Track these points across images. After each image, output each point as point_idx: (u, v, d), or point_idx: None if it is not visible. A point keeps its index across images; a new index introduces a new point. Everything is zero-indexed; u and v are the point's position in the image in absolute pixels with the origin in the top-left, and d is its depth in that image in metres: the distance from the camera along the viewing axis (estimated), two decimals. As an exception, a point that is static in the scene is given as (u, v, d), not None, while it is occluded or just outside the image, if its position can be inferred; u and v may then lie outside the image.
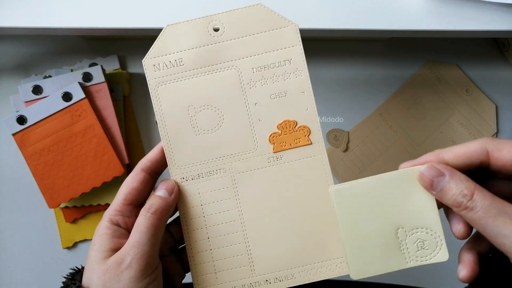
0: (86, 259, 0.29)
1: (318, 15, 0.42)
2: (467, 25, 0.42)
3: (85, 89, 0.48)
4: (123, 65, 0.53)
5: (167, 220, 0.31)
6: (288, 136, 0.32)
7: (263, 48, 0.32)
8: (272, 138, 0.32)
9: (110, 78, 0.51)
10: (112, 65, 0.52)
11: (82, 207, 0.50)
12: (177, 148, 0.32)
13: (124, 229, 0.30)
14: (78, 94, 0.47)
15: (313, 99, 0.32)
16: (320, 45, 0.55)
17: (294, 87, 0.32)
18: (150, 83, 0.32)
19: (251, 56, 0.32)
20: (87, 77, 0.48)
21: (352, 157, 0.54)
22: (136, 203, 0.31)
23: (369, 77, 0.55)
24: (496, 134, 0.54)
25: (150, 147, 0.52)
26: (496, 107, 0.55)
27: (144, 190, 0.32)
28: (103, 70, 0.49)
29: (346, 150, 0.54)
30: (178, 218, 0.33)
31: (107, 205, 0.51)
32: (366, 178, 0.29)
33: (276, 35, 0.32)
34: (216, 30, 0.32)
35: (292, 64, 0.32)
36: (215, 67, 0.32)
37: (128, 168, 0.51)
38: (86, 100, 0.47)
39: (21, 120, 0.47)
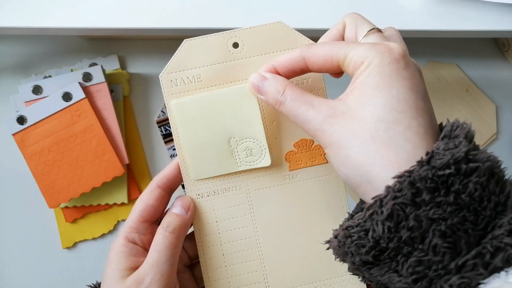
0: (103, 277, 0.29)
1: (318, 15, 0.42)
2: (467, 25, 0.42)
3: (85, 89, 0.48)
4: (123, 65, 0.53)
5: (184, 238, 0.31)
6: (304, 154, 0.32)
7: None
8: (289, 156, 0.32)
9: (110, 78, 0.51)
10: (112, 65, 0.52)
11: (82, 207, 0.50)
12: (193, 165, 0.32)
13: (140, 247, 0.30)
14: (78, 94, 0.47)
15: None
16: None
17: None
18: (167, 98, 0.31)
19: None
20: (87, 77, 0.48)
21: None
22: (151, 220, 0.31)
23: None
24: (496, 134, 0.54)
25: (150, 147, 0.52)
26: (496, 107, 0.55)
27: (159, 207, 0.31)
28: (103, 70, 0.49)
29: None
30: (192, 233, 0.33)
31: (107, 205, 0.51)
32: (205, 93, 0.31)
33: None
34: (236, 46, 0.31)
35: (310, 83, 0.32)
36: (233, 84, 0.31)
37: (128, 168, 0.51)
38: (86, 100, 0.47)
39: (21, 120, 0.47)
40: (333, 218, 0.32)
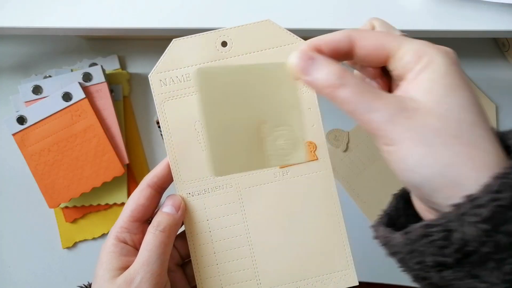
0: (94, 277, 0.29)
1: (318, 15, 0.42)
2: (467, 25, 0.42)
3: (85, 89, 0.48)
4: (123, 65, 0.53)
5: (174, 237, 0.31)
6: None
7: None
8: None
9: (110, 78, 0.51)
10: (112, 65, 0.52)
11: (82, 207, 0.50)
12: (183, 164, 0.32)
13: (131, 247, 0.30)
14: (78, 94, 0.47)
15: (320, 115, 0.32)
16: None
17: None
18: (156, 98, 0.31)
19: None
20: (87, 77, 0.48)
21: (352, 157, 0.54)
22: (142, 220, 0.31)
23: (369, 77, 0.55)
24: (496, 134, 0.54)
25: (150, 147, 0.52)
26: (496, 107, 0.55)
27: (150, 206, 0.31)
28: (103, 70, 0.49)
29: (346, 150, 0.54)
30: (183, 232, 0.33)
31: (107, 205, 0.51)
32: (236, 65, 0.28)
33: (283, 51, 0.31)
34: (224, 45, 0.31)
35: (300, 80, 0.32)
36: None
37: (128, 168, 0.51)
38: (86, 100, 0.47)
39: (21, 120, 0.47)
40: (324, 215, 0.32)
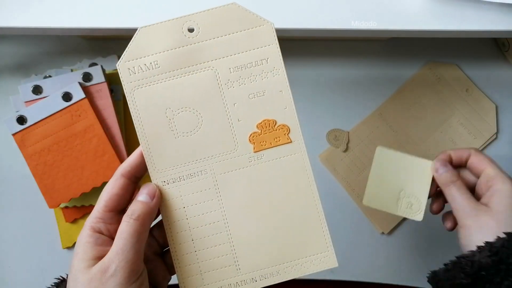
0: (69, 268, 0.29)
1: (318, 15, 0.42)
2: (467, 25, 0.42)
3: (85, 89, 0.48)
4: (123, 65, 0.53)
5: (150, 225, 0.31)
6: (268, 135, 0.32)
7: (239, 48, 0.31)
8: (252, 138, 0.32)
9: (110, 78, 0.51)
10: (112, 65, 0.52)
11: (82, 207, 0.50)
12: (156, 152, 0.32)
13: (107, 236, 0.30)
14: (78, 94, 0.47)
15: (291, 97, 0.32)
16: (320, 45, 0.55)
17: (272, 86, 0.32)
18: (126, 87, 0.31)
19: (227, 56, 0.31)
20: (87, 77, 0.48)
21: (352, 157, 0.54)
22: (118, 209, 0.31)
23: (369, 77, 0.55)
24: (496, 134, 0.54)
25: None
26: (496, 107, 0.55)
27: (125, 196, 0.31)
28: (103, 70, 0.49)
29: (346, 150, 0.54)
30: (160, 221, 0.33)
31: (107, 205, 0.51)
32: (400, 153, 0.42)
33: (251, 34, 0.31)
34: (191, 31, 0.31)
35: (269, 63, 0.32)
36: (191, 68, 0.31)
37: (128, 168, 0.51)
38: (86, 100, 0.47)
39: (21, 120, 0.47)
40: (301, 196, 0.32)
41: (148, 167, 0.32)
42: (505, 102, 0.55)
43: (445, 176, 0.39)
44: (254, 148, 0.32)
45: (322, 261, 0.32)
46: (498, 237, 0.34)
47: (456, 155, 0.40)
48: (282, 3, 0.42)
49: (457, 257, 0.36)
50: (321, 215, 0.32)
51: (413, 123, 0.55)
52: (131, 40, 0.31)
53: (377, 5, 0.42)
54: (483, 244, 0.35)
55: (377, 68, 0.55)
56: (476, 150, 0.40)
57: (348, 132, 0.54)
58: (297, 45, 0.55)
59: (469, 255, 0.35)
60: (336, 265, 0.32)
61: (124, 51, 0.31)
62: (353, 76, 0.55)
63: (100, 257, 0.29)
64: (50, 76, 0.50)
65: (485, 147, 0.55)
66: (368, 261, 0.53)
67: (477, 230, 0.36)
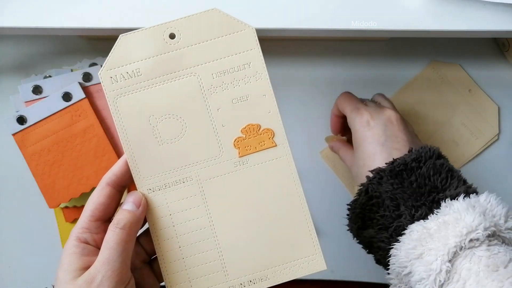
0: (55, 280, 0.29)
1: (318, 15, 0.42)
2: (467, 25, 0.42)
3: (85, 89, 0.48)
4: (123, 65, 0.53)
5: (136, 234, 0.31)
6: (252, 139, 0.32)
7: (221, 53, 0.31)
8: (237, 143, 0.32)
9: (110, 78, 0.51)
10: (112, 65, 0.52)
11: (82, 207, 0.50)
12: (141, 159, 0.32)
13: (93, 246, 0.30)
14: (78, 94, 0.47)
15: (275, 101, 0.32)
16: (321, 45, 0.55)
17: (255, 90, 0.32)
18: (108, 95, 0.31)
19: (209, 62, 0.31)
20: (87, 77, 0.48)
21: (352, 157, 0.54)
22: (104, 219, 0.31)
23: (372, 77, 0.55)
24: (498, 135, 0.54)
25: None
26: (498, 108, 0.55)
27: (111, 205, 0.31)
28: (103, 70, 0.49)
29: (346, 150, 0.54)
30: (148, 229, 0.33)
31: (107, 205, 0.51)
32: None
33: (233, 39, 0.31)
34: (172, 37, 0.31)
35: (252, 67, 0.32)
36: (174, 75, 0.31)
37: (128, 168, 0.51)
38: (86, 100, 0.47)
39: (21, 120, 0.47)
40: (287, 199, 0.32)
41: (133, 175, 0.32)
42: (505, 102, 0.55)
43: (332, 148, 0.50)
44: (239, 153, 0.32)
45: (310, 264, 0.32)
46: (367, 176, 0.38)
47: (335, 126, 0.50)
48: (282, 3, 0.42)
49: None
50: (308, 219, 0.32)
51: (415, 123, 0.55)
52: (112, 48, 0.31)
53: (377, 5, 0.42)
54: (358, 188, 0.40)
55: (380, 67, 0.55)
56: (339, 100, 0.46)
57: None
58: (298, 45, 0.55)
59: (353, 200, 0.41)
60: (325, 267, 0.32)
61: (106, 60, 0.31)
62: (355, 76, 0.55)
63: (86, 268, 0.28)
64: (50, 76, 0.50)
65: (486, 148, 0.55)
66: (368, 261, 0.53)
67: (355, 176, 0.42)
